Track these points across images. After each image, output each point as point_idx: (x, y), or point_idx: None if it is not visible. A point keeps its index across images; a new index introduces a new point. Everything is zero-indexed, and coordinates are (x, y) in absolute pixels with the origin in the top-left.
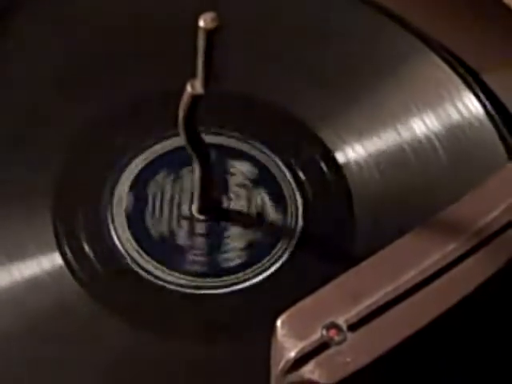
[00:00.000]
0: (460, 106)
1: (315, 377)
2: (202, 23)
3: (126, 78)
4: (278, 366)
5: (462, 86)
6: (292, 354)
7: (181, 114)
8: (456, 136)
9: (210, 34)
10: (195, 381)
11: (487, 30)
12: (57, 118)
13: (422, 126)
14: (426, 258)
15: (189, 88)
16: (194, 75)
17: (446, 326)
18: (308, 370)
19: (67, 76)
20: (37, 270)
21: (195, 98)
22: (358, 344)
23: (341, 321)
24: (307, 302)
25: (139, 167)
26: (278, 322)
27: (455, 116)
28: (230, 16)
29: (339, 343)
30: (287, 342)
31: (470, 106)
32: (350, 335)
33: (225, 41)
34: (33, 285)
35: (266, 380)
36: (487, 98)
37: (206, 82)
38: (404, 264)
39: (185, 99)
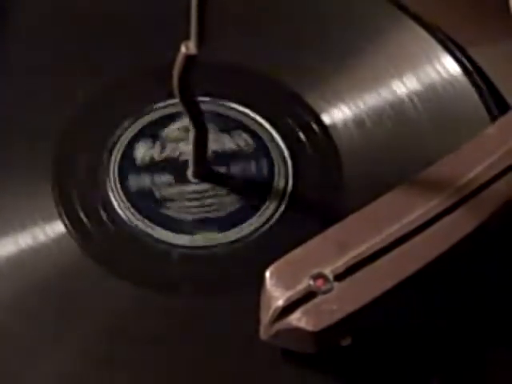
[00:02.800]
0: (438, 67)
1: (302, 324)
2: None
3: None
4: (266, 314)
5: (440, 48)
6: (280, 303)
7: (175, 74)
8: (436, 95)
9: None
10: (191, 333)
11: (475, 7)
12: (57, 90)
13: (402, 87)
14: (410, 212)
15: (183, 49)
16: (187, 36)
17: (427, 277)
18: (295, 318)
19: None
20: (42, 237)
21: (189, 59)
22: (344, 293)
23: (327, 271)
24: (295, 253)
25: (135, 131)
26: (267, 273)
27: (434, 76)
28: None
29: (326, 292)
30: (275, 292)
31: (448, 66)
32: (336, 285)
33: (216, 13)
34: (38, 252)
35: (256, 330)
36: (470, 65)
37: (200, 43)
38: (389, 218)
39: (179, 60)
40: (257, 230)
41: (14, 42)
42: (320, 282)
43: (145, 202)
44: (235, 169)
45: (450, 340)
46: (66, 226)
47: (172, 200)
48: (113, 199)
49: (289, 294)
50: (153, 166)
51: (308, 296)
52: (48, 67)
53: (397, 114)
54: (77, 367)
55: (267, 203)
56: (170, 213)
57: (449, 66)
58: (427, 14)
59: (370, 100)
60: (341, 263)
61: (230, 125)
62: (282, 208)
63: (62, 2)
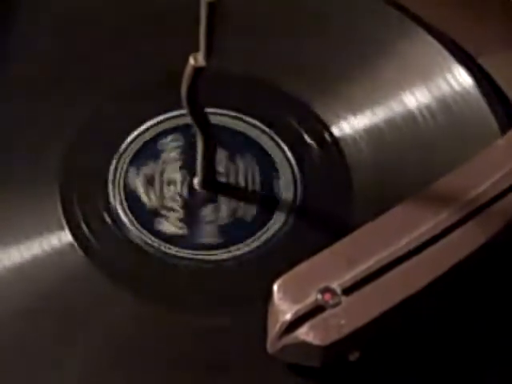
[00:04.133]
0: (450, 78)
1: (309, 339)
2: None
3: (131, 60)
4: (274, 328)
5: (452, 61)
6: (287, 317)
7: (184, 86)
8: (447, 108)
9: (212, 6)
10: (192, 343)
11: (485, 18)
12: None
13: (413, 99)
14: (419, 226)
15: (192, 61)
16: (196, 48)
17: (436, 292)
18: (303, 332)
19: (75, 55)
20: (46, 247)
21: (198, 70)
22: (352, 308)
23: (335, 285)
24: (303, 266)
25: (140, 144)
26: (275, 286)
27: (445, 88)
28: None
29: (334, 306)
30: (283, 305)
31: (461, 79)
32: (344, 299)
33: (225, 24)
34: (43, 261)
35: (264, 344)
36: (481, 76)
37: (208, 55)
38: (397, 232)
39: (188, 71)
40: (265, 243)
41: (18, 51)
42: (328, 296)
43: (148, 213)
44: (242, 179)
45: (460, 352)
46: (71, 235)
47: (176, 211)
48: (118, 210)
49: (296, 307)
50: (156, 180)
51: (316, 310)
52: (54, 81)
53: (407, 126)
54: (80, 372)
55: (275, 216)
56: (172, 225)
57: (460, 77)
58: (438, 25)
59: (381, 112)
60: (349, 277)
61: (237, 137)
62: (291, 221)
63: (62, 19)
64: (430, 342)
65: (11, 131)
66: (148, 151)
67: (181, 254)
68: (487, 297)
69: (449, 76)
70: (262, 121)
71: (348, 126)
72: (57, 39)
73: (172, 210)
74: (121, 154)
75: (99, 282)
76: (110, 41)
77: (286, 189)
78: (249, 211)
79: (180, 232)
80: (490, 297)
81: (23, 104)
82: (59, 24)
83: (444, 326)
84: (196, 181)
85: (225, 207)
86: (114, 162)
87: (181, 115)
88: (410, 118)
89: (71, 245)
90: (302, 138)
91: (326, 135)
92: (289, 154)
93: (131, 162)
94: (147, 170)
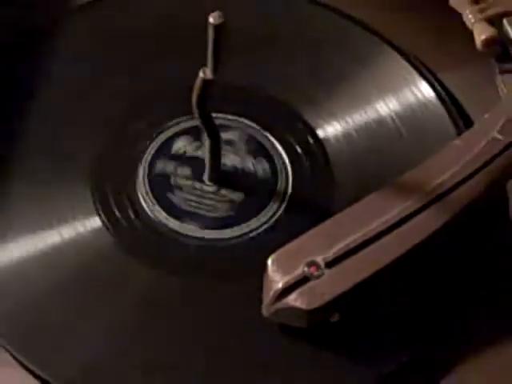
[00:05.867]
0: (415, 90)
1: (297, 304)
2: (211, 20)
3: (150, 72)
4: (268, 296)
5: (417, 76)
6: (279, 286)
7: (195, 95)
8: (413, 115)
9: (217, 28)
10: (203, 308)
11: (445, 40)
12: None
13: (385, 107)
14: (388, 211)
15: (201, 74)
16: (205, 63)
17: (402, 266)
18: (292, 299)
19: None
20: (80, 231)
21: (206, 83)
22: (333, 278)
23: (319, 259)
24: (292, 244)
25: (161, 142)
26: (269, 261)
27: (411, 98)
28: (236, 24)
29: (318, 277)
30: (276, 277)
31: (424, 91)
32: (326, 271)
33: (229, 44)
34: (78, 242)
35: (259, 309)
36: (440, 88)
37: (215, 69)
38: (370, 216)
39: (198, 83)
40: (262, 225)
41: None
42: (313, 268)
43: (166, 201)
44: (244, 174)
45: (423, 314)
46: (101, 221)
47: (188, 200)
48: (141, 199)
49: (287, 278)
50: (174, 172)
51: (303, 280)
52: (92, 87)
53: (380, 129)
54: (109, 336)
55: (271, 204)
56: (190, 208)
57: (424, 89)
58: (406, 46)
59: (358, 118)
60: (330, 253)
61: (239, 137)
62: (283, 208)
63: (96, 36)
64: (399, 306)
65: (54, 129)
66: (167, 148)
67: (192, 234)
68: (451, 263)
69: (414, 88)
70: (259, 124)
71: (330, 129)
72: (96, 53)
73: (186, 199)
74: (145, 150)
75: (124, 259)
76: (141, 57)
77: (279, 181)
78: (248, 200)
79: (190, 216)
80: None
81: (63, 105)
82: (97, 41)
83: (408, 292)
84: (205, 175)
85: (227, 196)
86: (140, 157)
87: (192, 119)
88: (382, 122)
89: (101, 228)
90: (293, 139)
91: (312, 137)
92: (282, 151)
93: (154, 157)
94: (167, 163)
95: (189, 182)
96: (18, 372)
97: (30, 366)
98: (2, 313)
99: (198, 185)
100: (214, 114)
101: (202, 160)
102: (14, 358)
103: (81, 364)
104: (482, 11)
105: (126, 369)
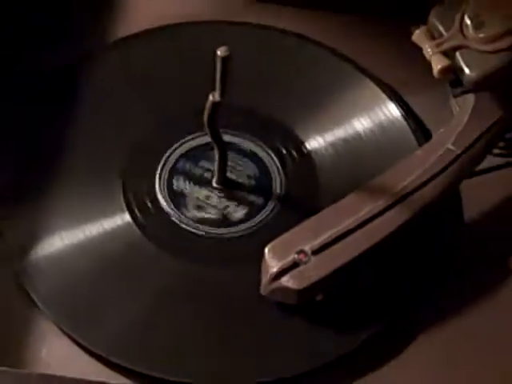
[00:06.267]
0: (385, 111)
1: (289, 285)
2: (219, 53)
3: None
4: (265, 277)
5: (386, 99)
6: (274, 270)
7: (206, 115)
8: (383, 131)
9: (224, 60)
10: (216, 291)
11: (411, 66)
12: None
13: (360, 124)
14: (363, 209)
15: (211, 97)
16: (214, 88)
17: (374, 253)
18: (285, 280)
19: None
20: (113, 226)
21: (215, 104)
22: (317, 264)
23: (307, 248)
24: (285, 236)
25: (180, 152)
26: (266, 250)
27: (382, 117)
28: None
29: (305, 263)
30: (271, 262)
31: (392, 111)
32: (312, 258)
33: (234, 73)
34: (110, 235)
35: (258, 289)
36: (405, 108)
37: (222, 93)
38: (349, 213)
39: (208, 105)
40: (261, 221)
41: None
42: (302, 255)
43: (182, 201)
44: (244, 178)
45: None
46: (129, 217)
47: (199, 199)
48: (161, 199)
49: (280, 263)
50: (188, 178)
51: (293, 265)
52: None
53: (356, 142)
54: (138, 315)
55: (268, 203)
56: (197, 208)
57: (392, 109)
58: (378, 73)
59: (338, 133)
60: (316, 243)
61: (242, 149)
62: (278, 207)
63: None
64: (370, 286)
65: (90, 138)
66: (184, 158)
67: (202, 228)
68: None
69: (384, 109)
70: (259, 138)
71: (316, 142)
72: (126, 81)
73: (198, 198)
74: (166, 160)
75: (149, 249)
76: (163, 85)
77: (274, 185)
78: (248, 200)
79: (201, 212)
80: (416, 252)
81: (99, 124)
82: (128, 69)
83: (379, 274)
84: (214, 179)
85: (232, 197)
86: (161, 165)
87: (204, 135)
88: (357, 136)
89: (129, 223)
90: (285, 150)
91: (302, 148)
92: (276, 160)
93: (173, 166)
94: (183, 171)
95: (201, 186)
96: (66, 342)
97: (75, 337)
98: (52, 294)
99: (208, 187)
100: (221, 130)
101: (212, 166)
102: (62, 330)
103: (115, 334)
104: (438, 46)
105: (151, 339)
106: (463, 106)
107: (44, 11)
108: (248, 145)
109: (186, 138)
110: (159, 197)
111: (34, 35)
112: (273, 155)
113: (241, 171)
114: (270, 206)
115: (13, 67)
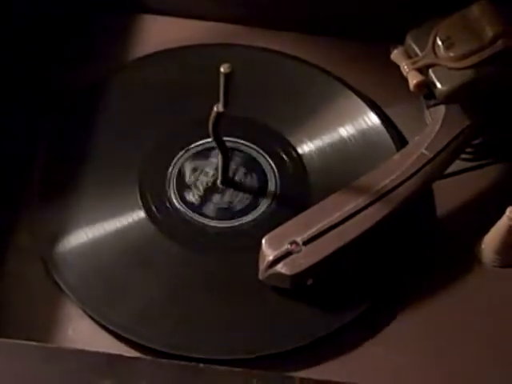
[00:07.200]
0: (367, 120)
1: (283, 271)
2: (222, 69)
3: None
4: (262, 265)
5: (368, 109)
6: (270, 258)
7: (210, 124)
8: (365, 138)
9: (227, 75)
10: (223, 277)
11: (389, 81)
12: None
13: (345, 131)
14: (346, 205)
15: (215, 108)
16: (218, 100)
17: (357, 244)
18: (279, 267)
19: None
20: (130, 221)
21: (219, 114)
22: (307, 253)
23: (299, 239)
24: (279, 228)
25: (187, 158)
26: (263, 240)
27: (364, 126)
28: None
29: (297, 252)
30: (267, 251)
31: (373, 120)
32: (303, 248)
33: (235, 86)
34: (127, 229)
35: (256, 274)
36: (385, 118)
37: (225, 105)
38: (334, 208)
39: (212, 115)
40: (256, 218)
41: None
42: (294, 246)
43: (191, 199)
44: (244, 179)
45: (375, 277)
46: (144, 213)
47: (205, 198)
48: (173, 198)
49: (275, 253)
50: (195, 181)
51: (286, 254)
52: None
53: (342, 147)
54: (153, 299)
55: (264, 200)
56: (207, 206)
57: (373, 119)
58: (360, 87)
59: (326, 139)
60: (306, 235)
61: (242, 154)
62: (273, 204)
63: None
64: (355, 272)
65: (111, 146)
66: (193, 160)
67: (208, 222)
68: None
69: (366, 118)
70: (256, 144)
71: (307, 147)
72: (142, 97)
73: (203, 197)
74: (174, 165)
75: (162, 241)
76: (174, 98)
77: (269, 185)
78: (248, 197)
79: (207, 208)
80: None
81: (119, 135)
82: (143, 89)
83: (362, 262)
84: (218, 179)
85: (234, 194)
86: (171, 168)
87: (209, 141)
88: (343, 142)
89: (145, 218)
90: (280, 154)
91: (294, 153)
92: (272, 163)
93: (180, 170)
94: (191, 175)
95: (207, 185)
96: (89, 322)
97: (97, 318)
98: (77, 281)
99: (213, 186)
100: (224, 137)
101: (216, 168)
102: (85, 312)
103: (131, 315)
104: (413, 63)
105: (162, 319)
106: (435, 116)
107: (67, 37)
108: (247, 150)
109: (194, 144)
110: (171, 195)
111: (58, 59)
112: (269, 159)
113: (241, 172)
114: (267, 203)
115: (45, 87)
